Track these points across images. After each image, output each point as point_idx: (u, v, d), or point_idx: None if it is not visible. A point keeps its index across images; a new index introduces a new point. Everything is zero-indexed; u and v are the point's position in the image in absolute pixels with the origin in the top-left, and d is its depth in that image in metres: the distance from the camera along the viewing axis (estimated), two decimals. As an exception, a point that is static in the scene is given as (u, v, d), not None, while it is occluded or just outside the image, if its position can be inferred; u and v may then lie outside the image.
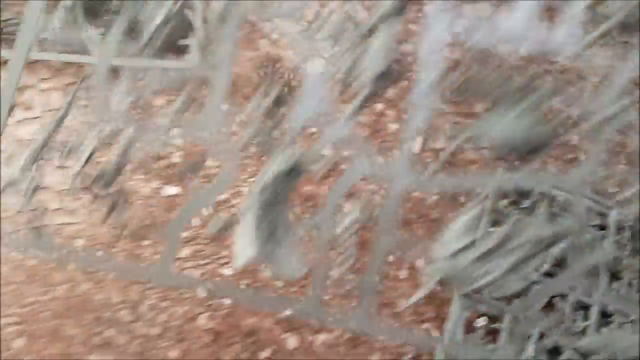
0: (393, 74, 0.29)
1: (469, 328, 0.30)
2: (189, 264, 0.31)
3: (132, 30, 0.30)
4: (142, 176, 0.30)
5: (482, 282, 0.28)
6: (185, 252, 0.31)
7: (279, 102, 0.29)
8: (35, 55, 0.36)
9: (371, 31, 0.29)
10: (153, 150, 0.31)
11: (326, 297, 0.31)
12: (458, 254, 0.28)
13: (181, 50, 0.31)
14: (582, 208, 0.28)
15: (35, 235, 0.29)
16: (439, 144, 0.30)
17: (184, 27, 0.30)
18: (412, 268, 0.31)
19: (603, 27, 0.30)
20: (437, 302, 0.31)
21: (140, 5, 0.30)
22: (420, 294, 0.28)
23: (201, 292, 0.30)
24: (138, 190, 0.29)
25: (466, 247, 0.28)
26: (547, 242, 0.28)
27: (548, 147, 0.29)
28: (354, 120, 0.29)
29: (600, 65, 0.30)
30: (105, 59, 0.30)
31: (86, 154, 0.30)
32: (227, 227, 0.28)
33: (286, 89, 0.30)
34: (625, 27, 0.31)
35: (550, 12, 0.31)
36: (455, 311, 0.27)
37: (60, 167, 0.31)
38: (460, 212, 0.29)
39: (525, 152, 0.29)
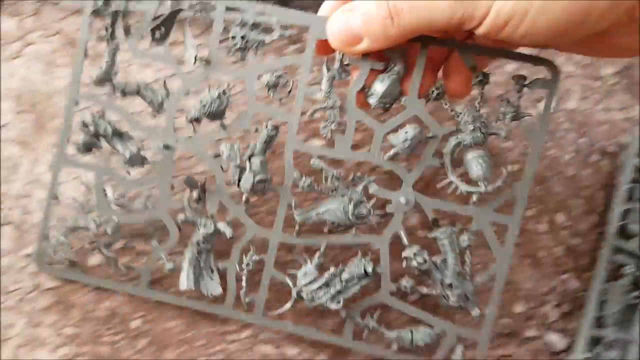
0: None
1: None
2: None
3: None
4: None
5: (317, 303, 0.52)
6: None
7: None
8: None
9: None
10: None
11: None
12: (307, 285, 0.52)
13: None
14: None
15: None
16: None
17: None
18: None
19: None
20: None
21: None
22: (286, 306, 0.53)
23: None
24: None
25: (310, 283, 0.52)
26: (354, 282, 0.52)
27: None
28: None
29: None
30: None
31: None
32: (173, 270, 0.53)
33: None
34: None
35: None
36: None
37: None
38: (307, 260, 0.54)
39: None
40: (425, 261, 0.50)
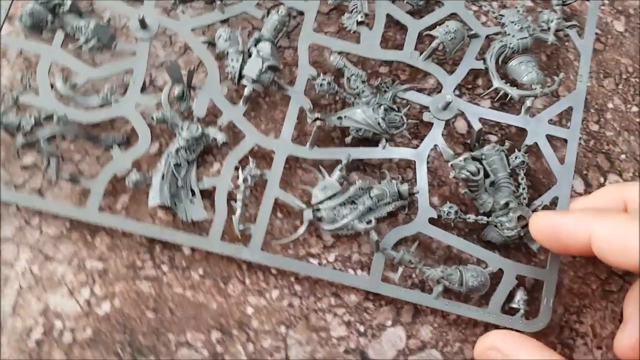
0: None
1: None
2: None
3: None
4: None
5: (341, 224, 0.38)
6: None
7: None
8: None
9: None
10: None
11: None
12: (323, 202, 0.39)
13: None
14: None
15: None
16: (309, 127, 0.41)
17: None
18: (291, 212, 0.41)
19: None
20: (317, 235, 0.41)
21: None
22: (300, 231, 0.39)
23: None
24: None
25: (328, 198, 0.39)
26: (386, 201, 0.39)
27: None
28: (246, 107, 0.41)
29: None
30: None
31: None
32: (140, 183, 0.38)
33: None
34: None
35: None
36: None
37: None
38: (324, 174, 0.41)
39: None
40: (478, 171, 0.40)
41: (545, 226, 0.37)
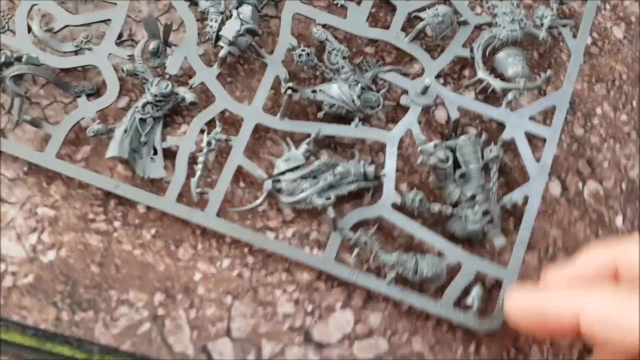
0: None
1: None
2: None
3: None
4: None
5: (299, 197, 0.37)
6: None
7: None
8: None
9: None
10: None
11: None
12: (285, 174, 0.38)
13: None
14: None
15: None
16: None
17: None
18: (254, 183, 0.40)
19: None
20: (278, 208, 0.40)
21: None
22: (258, 201, 0.38)
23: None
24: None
25: (290, 170, 0.38)
26: (349, 180, 0.38)
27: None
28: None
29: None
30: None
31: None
32: (102, 133, 0.37)
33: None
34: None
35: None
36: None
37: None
38: (290, 145, 0.39)
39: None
40: (447, 158, 0.38)
41: (525, 306, 0.31)
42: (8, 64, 0.39)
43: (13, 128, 0.39)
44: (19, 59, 0.39)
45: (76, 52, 0.41)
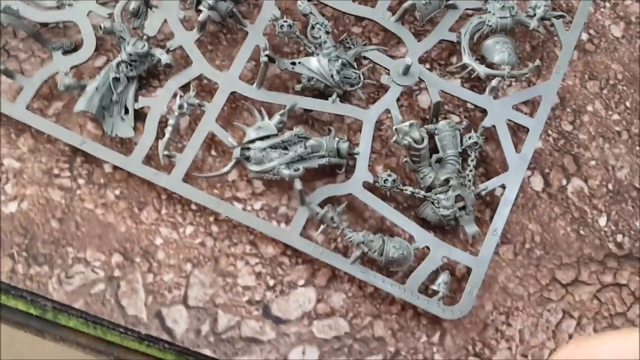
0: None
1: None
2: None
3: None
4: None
5: (267, 167, 0.36)
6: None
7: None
8: None
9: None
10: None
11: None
12: (255, 142, 0.37)
13: None
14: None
15: None
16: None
17: None
18: (226, 152, 0.39)
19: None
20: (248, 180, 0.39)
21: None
22: (225, 169, 0.37)
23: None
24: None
25: (260, 139, 0.37)
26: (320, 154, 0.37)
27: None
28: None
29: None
30: None
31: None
32: (73, 88, 0.37)
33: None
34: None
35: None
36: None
37: None
38: (264, 115, 0.39)
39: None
40: (422, 139, 0.37)
41: None
42: (-13, 13, 0.38)
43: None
44: (-1, 10, 0.38)
45: (58, 8, 0.40)
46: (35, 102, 0.39)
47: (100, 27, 0.39)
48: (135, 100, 0.39)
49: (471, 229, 0.37)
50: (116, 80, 0.39)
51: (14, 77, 0.38)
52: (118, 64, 0.39)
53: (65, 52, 0.40)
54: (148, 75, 0.41)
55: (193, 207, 0.39)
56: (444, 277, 0.36)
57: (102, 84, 0.38)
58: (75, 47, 0.40)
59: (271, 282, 0.38)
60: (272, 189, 0.39)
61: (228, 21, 0.42)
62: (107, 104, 0.38)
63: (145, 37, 0.40)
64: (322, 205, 0.37)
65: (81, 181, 0.38)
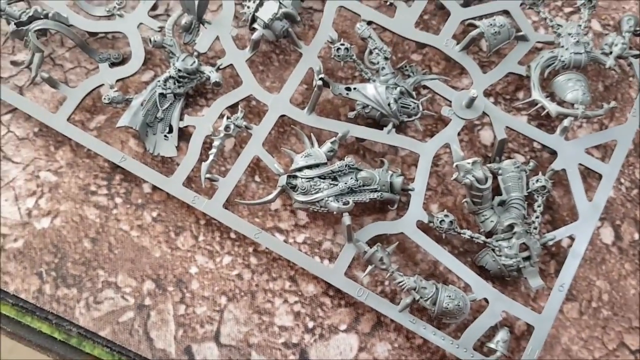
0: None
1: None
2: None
3: None
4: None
5: (314, 197, 0.33)
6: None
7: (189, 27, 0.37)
8: None
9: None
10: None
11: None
12: (302, 170, 0.34)
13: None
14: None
15: None
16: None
17: None
18: (270, 179, 0.37)
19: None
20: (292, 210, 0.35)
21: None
22: (269, 197, 0.34)
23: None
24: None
25: (308, 167, 0.34)
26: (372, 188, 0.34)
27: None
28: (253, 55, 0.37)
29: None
30: None
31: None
32: (117, 102, 0.35)
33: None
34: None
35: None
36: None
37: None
38: (313, 142, 0.36)
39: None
40: (486, 179, 0.34)
41: None
42: (36, 18, 0.37)
43: (29, 84, 0.37)
44: (47, 16, 0.37)
45: (108, 18, 0.39)
46: (77, 114, 0.37)
47: (150, 41, 0.37)
48: (181, 118, 0.37)
49: (536, 282, 0.34)
50: (162, 96, 0.37)
51: (58, 86, 0.37)
52: (166, 80, 0.37)
53: (112, 64, 0.38)
54: (195, 93, 0.39)
55: (232, 235, 0.36)
56: (502, 335, 0.33)
57: (147, 99, 0.36)
58: (123, 60, 0.39)
59: (310, 324, 0.35)
60: (316, 221, 0.37)
61: (282, 41, 0.40)
62: (151, 121, 0.36)
63: (195, 53, 0.38)
64: (370, 243, 0.34)
65: (118, 200, 0.36)
